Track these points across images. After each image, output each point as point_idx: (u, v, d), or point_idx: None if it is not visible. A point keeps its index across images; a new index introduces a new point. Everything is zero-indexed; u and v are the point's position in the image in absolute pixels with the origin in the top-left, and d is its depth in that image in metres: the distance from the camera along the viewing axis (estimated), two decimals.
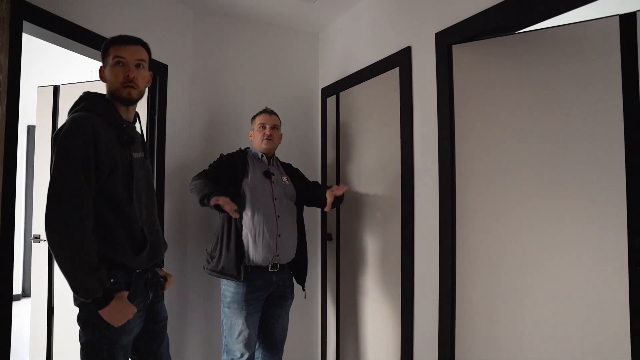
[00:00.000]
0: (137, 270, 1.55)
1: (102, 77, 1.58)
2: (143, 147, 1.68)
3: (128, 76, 1.51)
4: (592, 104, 1.48)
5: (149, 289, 1.61)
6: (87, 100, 1.49)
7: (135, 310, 1.47)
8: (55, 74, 3.99)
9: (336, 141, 2.85)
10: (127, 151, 1.52)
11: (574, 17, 1.54)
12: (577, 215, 1.50)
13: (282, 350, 2.32)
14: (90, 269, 1.34)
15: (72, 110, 1.48)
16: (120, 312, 1.42)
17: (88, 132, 1.38)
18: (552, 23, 1.60)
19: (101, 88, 1.60)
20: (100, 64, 1.60)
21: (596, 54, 1.48)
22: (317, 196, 2.31)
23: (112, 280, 1.43)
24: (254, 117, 2.37)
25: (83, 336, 1.45)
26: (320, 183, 2.68)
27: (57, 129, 1.42)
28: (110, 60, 1.53)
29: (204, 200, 2.01)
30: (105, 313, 1.39)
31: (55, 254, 1.32)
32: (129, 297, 1.48)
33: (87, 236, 1.36)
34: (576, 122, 1.52)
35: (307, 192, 2.38)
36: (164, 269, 1.81)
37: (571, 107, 1.53)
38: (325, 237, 2.93)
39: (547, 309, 1.56)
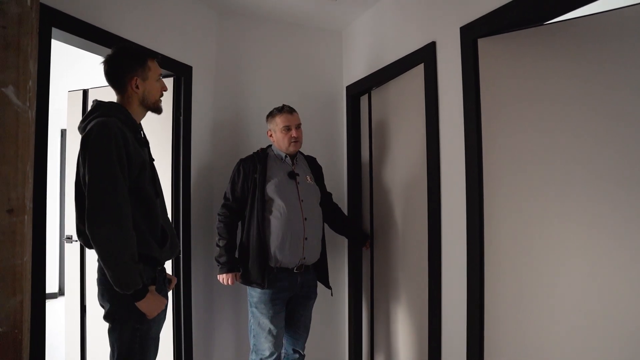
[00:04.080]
0: (159, 267, 1.62)
1: (134, 87, 1.60)
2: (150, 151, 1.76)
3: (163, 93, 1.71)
4: (632, 98, 1.39)
5: (165, 285, 1.69)
6: (103, 107, 1.55)
7: (166, 301, 1.56)
8: (88, 78, 4.11)
9: (369, 140, 2.82)
10: (145, 151, 1.61)
11: (607, 4, 1.44)
12: (610, 213, 1.42)
13: (305, 339, 2.35)
14: (134, 261, 1.41)
15: (89, 118, 1.52)
16: (155, 303, 1.50)
17: (118, 135, 1.45)
18: (584, 12, 1.50)
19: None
20: None
21: (637, 42, 1.38)
22: (344, 231, 2.61)
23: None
24: (272, 116, 2.29)
25: (113, 332, 1.50)
26: (337, 205, 2.61)
27: (84, 135, 1.47)
28: (153, 75, 1.64)
29: (218, 260, 2.20)
30: (143, 305, 1.46)
31: (101, 249, 1.38)
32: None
33: (130, 231, 1.43)
34: (612, 118, 1.43)
35: (335, 221, 2.54)
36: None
37: (607, 103, 1.45)
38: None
39: (578, 312, 1.48)
